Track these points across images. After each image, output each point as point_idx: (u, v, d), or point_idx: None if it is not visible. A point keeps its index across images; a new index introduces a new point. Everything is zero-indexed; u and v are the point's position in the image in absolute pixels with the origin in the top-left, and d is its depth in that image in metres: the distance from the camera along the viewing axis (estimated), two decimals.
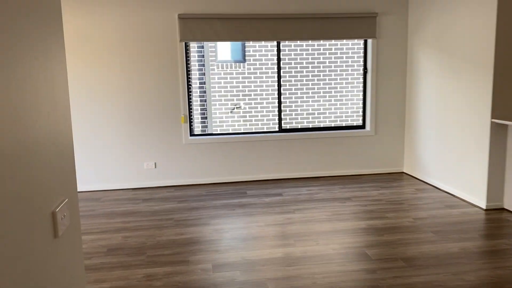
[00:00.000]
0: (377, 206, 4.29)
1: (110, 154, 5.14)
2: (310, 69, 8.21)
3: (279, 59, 5.44)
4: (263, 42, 7.77)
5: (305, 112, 8.41)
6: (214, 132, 8.26)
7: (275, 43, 8.11)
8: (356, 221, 3.90)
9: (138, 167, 5.23)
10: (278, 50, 5.45)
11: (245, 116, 8.33)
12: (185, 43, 5.16)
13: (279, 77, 5.48)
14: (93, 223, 4.02)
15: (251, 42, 7.94)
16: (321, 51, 8.22)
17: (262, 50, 8.09)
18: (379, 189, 4.89)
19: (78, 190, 5.12)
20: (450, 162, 4.65)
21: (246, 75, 8.23)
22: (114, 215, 4.24)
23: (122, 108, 5.08)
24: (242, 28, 5.08)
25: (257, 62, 8.16)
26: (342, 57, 8.33)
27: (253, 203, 4.49)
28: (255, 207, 4.35)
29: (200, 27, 5.00)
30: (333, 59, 8.29)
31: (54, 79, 1.14)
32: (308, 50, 8.13)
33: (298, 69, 8.13)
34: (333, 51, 8.28)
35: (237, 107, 8.29)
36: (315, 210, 4.22)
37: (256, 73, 8.20)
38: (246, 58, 8.09)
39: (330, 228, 3.74)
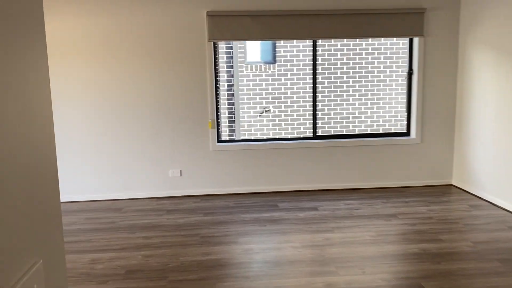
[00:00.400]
0: (427, 226, 3.79)
1: (133, 161, 4.82)
2: (344, 70, 7.71)
3: (314, 59, 5.00)
4: (295, 41, 7.35)
5: (338, 116, 7.92)
6: (241, 138, 7.90)
7: (307, 42, 7.67)
8: (406, 243, 3.42)
9: (163, 175, 4.89)
10: (314, 49, 5.01)
11: (275, 120, 7.91)
12: (214, 43, 4.79)
13: (314, 78, 5.04)
14: (112, 238, 3.68)
15: (282, 42, 7.52)
16: (357, 51, 7.71)
17: (293, 51, 7.66)
18: (427, 205, 4.37)
19: (99, 198, 4.83)
20: (510, 175, 4.09)
21: (276, 77, 7.81)
22: (135, 228, 3.90)
23: (147, 112, 4.75)
24: (274, 26, 4.67)
25: (288, 63, 7.73)
26: (379, 58, 7.80)
27: (286, 218, 4.06)
28: (288, 223, 3.93)
29: (230, 25, 4.62)
30: (370, 60, 7.77)
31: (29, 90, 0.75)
32: (343, 50, 7.64)
33: (332, 71, 7.65)
34: (370, 51, 7.76)
35: (266, 111, 7.89)
36: (357, 229, 3.76)
37: (286, 74, 7.77)
38: (277, 59, 7.68)
39: (376, 252, 3.27)
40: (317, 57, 5.01)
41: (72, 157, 4.75)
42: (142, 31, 4.62)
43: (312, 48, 5.05)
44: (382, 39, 7.56)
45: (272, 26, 4.67)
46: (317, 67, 5.00)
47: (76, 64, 4.61)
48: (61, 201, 4.77)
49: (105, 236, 3.72)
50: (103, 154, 4.78)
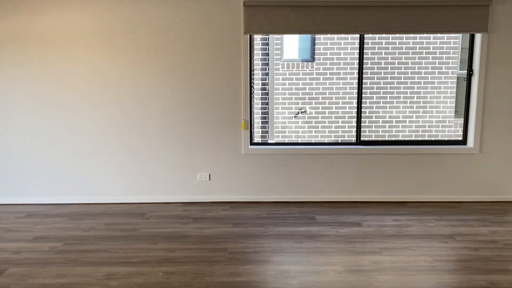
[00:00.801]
0: (493, 251, 3.24)
1: (160, 162, 4.47)
2: (389, 70, 7.14)
3: (361, 57, 4.50)
4: (336, 38, 6.83)
5: (380, 120, 7.36)
6: (274, 140, 7.46)
7: (349, 39, 7.15)
8: (470, 273, 2.89)
9: (191, 179, 4.52)
10: (361, 46, 4.51)
11: (311, 122, 7.43)
12: (249, 37, 4.38)
13: (360, 78, 4.54)
14: (131, 248, 3.32)
15: (322, 39, 7.03)
16: (403, 49, 7.12)
17: (334, 48, 7.14)
18: (488, 225, 3.80)
19: (123, 201, 4.50)
20: None
21: (315, 76, 7.34)
22: (158, 238, 3.53)
23: (175, 110, 4.39)
24: (318, 17, 4.20)
25: (328, 62, 7.22)
26: (428, 58, 7.18)
27: (326, 234, 3.59)
28: (328, 241, 3.46)
29: (269, 16, 4.19)
30: (417, 60, 7.16)
31: None
32: (388, 48, 7.08)
33: (375, 70, 7.10)
34: (417, 50, 7.16)
35: (302, 112, 7.42)
36: (408, 251, 3.25)
37: (326, 74, 7.27)
38: (316, 57, 7.20)
39: (435, 283, 2.76)
40: (364, 54, 4.50)
41: (96, 157, 4.44)
42: (171, 24, 4.26)
43: (358, 45, 4.55)
44: (432, 36, 6.95)
45: (315, 18, 4.20)
46: (363, 65, 4.50)
47: (100, 60, 4.30)
48: (83, 202, 4.48)
49: (124, 246, 3.37)
50: (128, 154, 4.46)
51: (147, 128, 4.42)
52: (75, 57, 4.28)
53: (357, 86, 4.56)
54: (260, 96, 7.22)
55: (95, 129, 4.41)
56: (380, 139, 6.95)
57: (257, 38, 7.06)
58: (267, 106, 7.38)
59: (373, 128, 7.15)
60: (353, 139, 4.64)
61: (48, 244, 3.42)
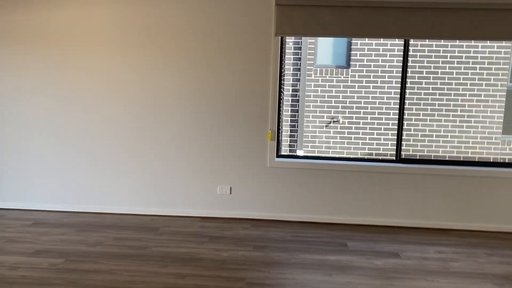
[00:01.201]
0: None
1: (177, 172, 4.13)
2: (431, 80, 6.60)
3: (404, 64, 4.02)
4: (374, 44, 6.33)
5: (419, 133, 6.81)
6: (303, 150, 7.02)
7: (388, 46, 6.65)
8: None
9: (211, 191, 4.15)
10: (405, 52, 4.03)
11: (343, 133, 6.95)
12: (281, 40, 3.98)
13: (402, 88, 4.06)
14: (138, 271, 2.96)
15: (358, 44, 6.56)
16: (448, 59, 6.56)
17: (371, 55, 6.65)
18: None
19: (137, 212, 4.17)
20: None
21: (349, 83, 6.85)
22: (168, 260, 3.16)
23: (196, 117, 4.04)
24: (358, 20, 3.76)
25: (364, 69, 6.73)
26: (475, 68, 6.59)
27: (358, 266, 3.13)
28: (362, 275, 3.00)
29: (303, 17, 3.78)
30: (462, 70, 6.59)
31: None
32: (430, 57, 6.53)
33: (416, 80, 6.57)
34: (463, 59, 6.59)
35: (334, 121, 6.96)
36: None
37: (361, 81, 6.78)
38: (351, 63, 6.73)
39: None
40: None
41: (111, 164, 4.14)
42: (195, 23, 3.91)
43: (403, 52, 4.07)
44: (480, 45, 6.37)
45: (355, 20, 3.76)
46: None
47: (117, 65, 3.99)
48: (95, 211, 4.18)
49: (131, 267, 3.01)
50: (145, 163, 4.13)
51: (166, 136, 4.08)
52: (93, 60, 4.00)
53: (399, 97, 4.08)
54: (290, 103, 6.81)
55: (111, 136, 4.10)
56: (423, 158, 6.40)
57: (289, 42, 6.66)
58: (296, 113, 6.96)
59: (411, 142, 6.61)
60: (390, 152, 4.15)
61: (48, 260, 3.10)
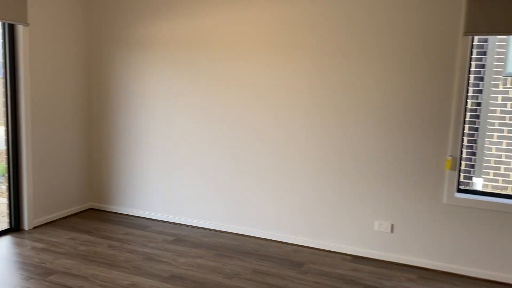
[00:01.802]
0: None
1: (327, 199, 3.53)
2: None
3: None
4: None
5: None
6: (484, 181, 5.68)
7: None
8: None
9: (367, 226, 3.44)
10: None
11: None
12: (471, 40, 3.06)
13: None
14: None
15: None
16: None
17: None
18: None
19: (281, 239, 3.70)
20: None
21: None
22: None
23: (355, 137, 3.38)
24: None
25: None
26: None
27: None
28: None
29: (507, 9, 2.82)
30: None
31: None
32: None
33: None
34: None
35: None
36: None
37: None
38: None
39: None
40: None
41: (255, 185, 3.75)
42: (357, 21, 3.26)
43: None
44: None
45: None
46: None
47: (267, 73, 3.58)
48: (236, 232, 3.85)
49: None
50: (291, 185, 3.64)
51: (319, 156, 3.52)
52: (241, 64, 3.68)
53: None
54: (468, 119, 5.62)
55: (263, 151, 3.72)
56: None
57: (486, 36, 5.49)
58: (475, 132, 5.71)
59: None
60: None
61: None
